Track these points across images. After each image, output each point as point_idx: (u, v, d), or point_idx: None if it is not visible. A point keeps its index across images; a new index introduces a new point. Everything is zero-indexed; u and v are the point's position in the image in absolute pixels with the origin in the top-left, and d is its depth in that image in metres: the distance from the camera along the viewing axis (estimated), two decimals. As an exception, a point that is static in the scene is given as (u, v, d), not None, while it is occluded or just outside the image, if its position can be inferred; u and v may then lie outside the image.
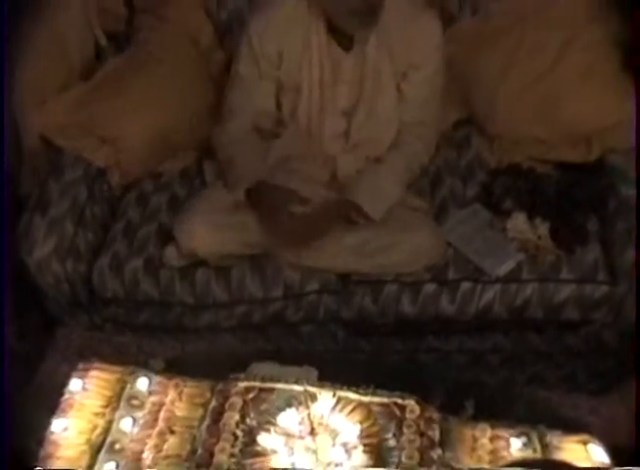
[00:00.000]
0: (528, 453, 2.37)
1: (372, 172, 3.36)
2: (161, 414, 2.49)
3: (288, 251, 3.23)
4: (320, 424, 2.43)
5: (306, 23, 3.31)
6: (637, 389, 2.86)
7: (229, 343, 3.38)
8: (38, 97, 3.63)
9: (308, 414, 2.45)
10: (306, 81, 3.36)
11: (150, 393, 2.55)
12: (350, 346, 3.41)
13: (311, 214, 3.23)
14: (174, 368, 2.66)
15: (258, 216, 3.20)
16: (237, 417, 2.44)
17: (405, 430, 2.40)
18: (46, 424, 2.47)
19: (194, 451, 2.39)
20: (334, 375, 2.57)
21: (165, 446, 2.41)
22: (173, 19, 3.90)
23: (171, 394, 2.54)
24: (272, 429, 2.42)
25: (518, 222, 3.28)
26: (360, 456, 2.38)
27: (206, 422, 2.45)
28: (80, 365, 2.64)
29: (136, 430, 2.45)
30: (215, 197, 3.37)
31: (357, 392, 2.49)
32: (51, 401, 2.55)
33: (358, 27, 3.19)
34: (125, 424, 2.45)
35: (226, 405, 2.47)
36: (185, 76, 3.79)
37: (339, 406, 2.46)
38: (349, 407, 2.46)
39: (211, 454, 2.36)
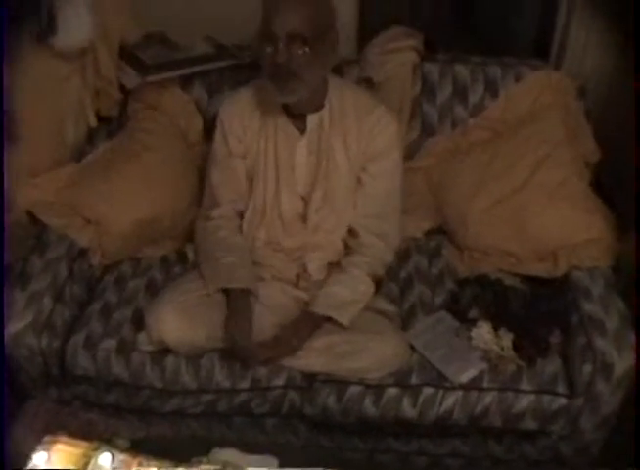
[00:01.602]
0: None
1: (336, 283, 3.35)
2: None
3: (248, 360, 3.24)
4: (278, 513, 2.42)
5: (266, 107, 3.38)
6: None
7: (193, 428, 3.35)
8: (30, 172, 3.67)
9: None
10: (262, 164, 3.41)
11: (113, 469, 2.50)
12: (312, 441, 3.37)
13: (280, 335, 3.26)
14: (139, 448, 2.58)
15: (227, 321, 3.22)
16: None
17: (360, 524, 2.40)
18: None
19: (151, 532, 2.36)
20: (293, 466, 2.50)
21: (124, 525, 2.38)
22: (165, 110, 3.97)
23: None
24: None
25: (482, 332, 3.27)
26: None
27: None
28: (46, 438, 2.57)
29: None
30: (189, 288, 3.37)
31: None
32: None
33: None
34: None
35: None
36: (172, 167, 3.82)
37: (296, 496, 2.44)
38: None
39: None
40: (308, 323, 3.26)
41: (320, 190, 3.37)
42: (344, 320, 3.23)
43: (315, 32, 3.06)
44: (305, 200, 3.43)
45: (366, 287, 3.36)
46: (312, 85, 3.19)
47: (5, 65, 3.10)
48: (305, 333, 3.23)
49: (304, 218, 3.44)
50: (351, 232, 3.45)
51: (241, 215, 3.52)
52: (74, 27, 3.61)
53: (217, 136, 3.50)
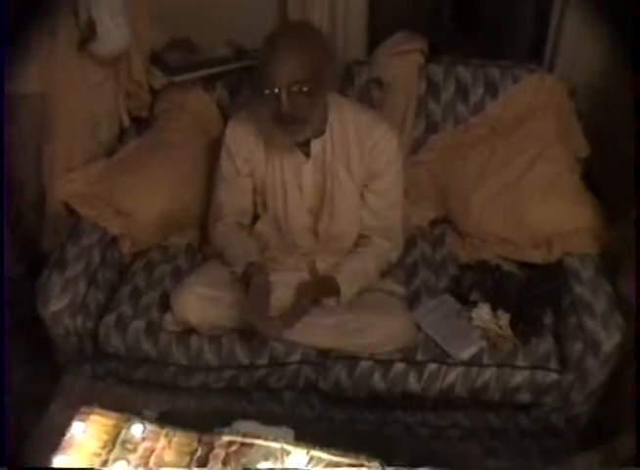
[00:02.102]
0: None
1: (348, 260, 3.38)
2: (152, 459, 2.46)
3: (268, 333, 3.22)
4: (294, 478, 2.43)
5: (271, 130, 3.26)
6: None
7: (216, 402, 3.35)
8: (66, 167, 3.70)
9: (283, 469, 2.45)
10: (270, 183, 3.39)
11: (142, 439, 2.52)
12: (325, 413, 3.39)
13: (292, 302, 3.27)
14: (166, 420, 2.62)
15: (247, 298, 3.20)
16: (219, 467, 2.42)
17: (369, 489, 2.41)
18: (49, 460, 2.46)
19: (178, 494, 2.38)
20: (308, 437, 2.53)
21: (153, 488, 2.39)
22: (189, 109, 3.98)
23: (162, 441, 2.52)
24: None
25: (482, 313, 3.30)
26: (327, 508, 2.37)
27: (192, 469, 2.44)
28: (82, 410, 2.62)
29: None
30: (211, 273, 3.40)
31: (328, 452, 2.46)
32: (54, 440, 2.54)
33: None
34: (119, 466, 2.43)
35: (210, 455, 2.45)
36: (195, 162, 3.83)
37: (311, 464, 2.43)
38: (321, 465, 2.43)
39: (194, 498, 2.35)
40: (317, 284, 3.32)
41: (327, 208, 3.37)
42: (347, 295, 3.29)
43: (313, 73, 3.02)
44: (314, 214, 3.43)
45: (373, 273, 3.40)
46: (316, 119, 3.19)
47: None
48: (312, 292, 3.28)
49: (315, 231, 3.43)
50: (360, 236, 3.46)
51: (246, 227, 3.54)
52: (113, 35, 3.62)
53: (224, 155, 3.46)
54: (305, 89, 2.99)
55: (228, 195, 3.49)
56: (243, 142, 3.40)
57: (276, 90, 2.98)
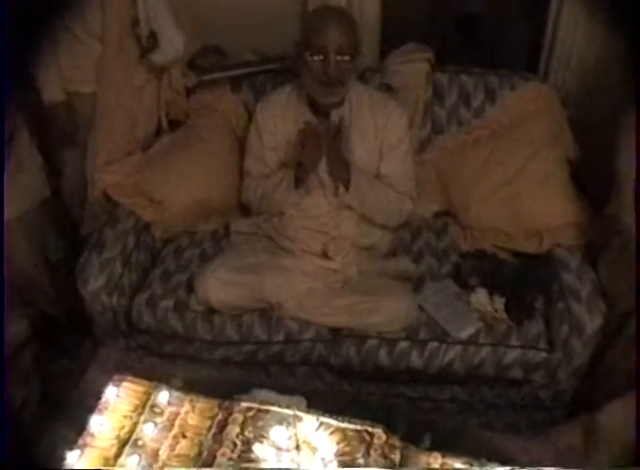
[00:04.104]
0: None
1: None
2: (177, 422, 2.48)
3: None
4: (304, 441, 2.40)
5: (295, 105, 3.45)
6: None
7: (236, 374, 3.35)
8: (106, 160, 3.69)
9: (295, 433, 2.42)
10: (293, 150, 3.42)
11: (169, 404, 2.53)
12: (335, 386, 3.39)
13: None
14: (190, 388, 2.63)
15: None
16: (237, 429, 2.42)
17: (372, 452, 2.38)
18: (86, 420, 2.48)
19: (200, 454, 2.37)
20: (319, 406, 2.53)
21: (178, 447, 2.40)
22: (218, 109, 3.98)
23: (186, 406, 2.53)
24: (265, 442, 2.40)
25: (480, 297, 3.30)
26: (334, 470, 2.38)
27: (212, 431, 2.44)
28: (116, 377, 2.63)
29: (156, 432, 2.43)
30: (233, 258, 3.42)
31: (336, 419, 2.46)
32: (91, 403, 2.56)
33: (323, 96, 3.29)
34: (148, 427, 2.44)
35: (229, 419, 2.46)
36: (222, 156, 3.84)
37: (320, 429, 2.44)
38: (329, 430, 2.43)
39: (214, 457, 2.35)
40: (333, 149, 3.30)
41: None
42: (355, 186, 3.35)
43: (353, 44, 3.19)
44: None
45: (388, 198, 3.48)
46: (347, 86, 3.30)
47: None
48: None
49: (335, 193, 3.41)
50: None
51: None
52: (172, 46, 3.66)
53: (252, 131, 3.57)
54: (347, 58, 3.17)
55: (254, 165, 3.56)
56: (270, 119, 3.50)
57: (321, 56, 3.16)
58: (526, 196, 3.57)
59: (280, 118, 3.48)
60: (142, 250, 3.58)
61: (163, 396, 2.57)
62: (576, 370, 3.21)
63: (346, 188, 3.34)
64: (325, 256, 3.42)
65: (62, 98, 3.59)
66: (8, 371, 3.09)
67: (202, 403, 2.56)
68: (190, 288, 3.40)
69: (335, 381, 3.40)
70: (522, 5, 4.99)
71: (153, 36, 3.61)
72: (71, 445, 2.42)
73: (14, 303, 3.31)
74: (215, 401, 2.56)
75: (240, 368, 3.40)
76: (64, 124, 3.65)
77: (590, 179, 3.67)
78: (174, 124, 4.04)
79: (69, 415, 2.60)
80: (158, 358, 3.28)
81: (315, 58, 3.18)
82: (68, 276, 3.48)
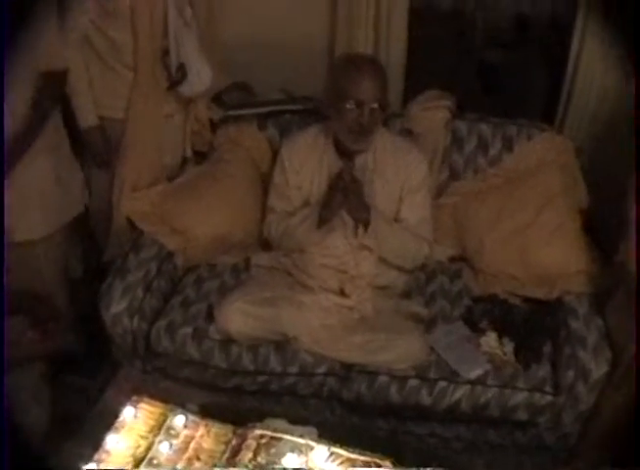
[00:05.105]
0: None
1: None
2: (192, 445, 2.51)
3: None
4: (315, 470, 2.45)
5: (321, 147, 3.49)
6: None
7: (249, 402, 3.38)
8: (132, 187, 3.76)
9: (306, 461, 2.45)
10: (316, 193, 3.48)
11: (185, 427, 2.56)
12: (345, 419, 3.39)
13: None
14: (205, 413, 2.66)
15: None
16: (250, 455, 2.45)
17: (380, 483, 2.43)
18: (102, 437, 2.52)
19: (213, 476, 2.41)
20: (329, 438, 2.55)
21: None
22: (243, 145, 4.03)
23: (201, 430, 2.56)
24: (277, 469, 2.43)
25: (489, 340, 3.32)
26: (343, 498, 2.40)
27: (226, 455, 2.47)
28: (134, 398, 2.67)
29: (170, 453, 2.47)
30: (253, 291, 3.44)
31: (347, 450, 2.49)
32: (108, 421, 2.60)
33: (353, 143, 3.35)
34: (163, 447, 2.47)
35: (243, 445, 2.48)
36: (246, 191, 3.89)
37: (331, 458, 2.46)
38: (339, 460, 2.46)
39: (227, 481, 2.38)
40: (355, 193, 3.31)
41: None
42: (375, 227, 3.37)
43: (384, 94, 3.27)
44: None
45: (405, 241, 3.51)
46: (375, 133, 3.36)
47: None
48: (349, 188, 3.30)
49: (355, 233, 3.44)
50: None
51: None
52: (200, 78, 3.74)
53: (277, 169, 3.61)
54: (377, 106, 3.23)
55: (278, 203, 3.60)
56: (296, 158, 3.53)
57: (351, 105, 3.23)
58: (539, 244, 3.60)
59: (305, 158, 3.52)
60: (163, 277, 3.61)
61: (180, 419, 2.60)
62: (581, 414, 3.20)
63: (366, 229, 3.38)
64: (342, 293, 3.46)
65: (95, 123, 3.69)
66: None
67: (217, 428, 2.59)
68: (209, 317, 3.43)
69: (345, 414, 3.41)
70: (542, 57, 5.06)
71: (182, 68, 3.71)
72: (87, 460, 2.45)
73: (28, 318, 3.36)
74: (230, 427, 2.59)
75: (253, 398, 3.42)
76: (97, 148, 3.75)
77: (601, 228, 3.70)
78: (198, 155, 4.12)
79: (86, 432, 2.64)
80: (173, 383, 3.33)
81: (348, 106, 3.25)
82: (88, 297, 3.54)
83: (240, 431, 2.57)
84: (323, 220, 3.38)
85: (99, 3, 3.49)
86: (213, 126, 4.10)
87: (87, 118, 3.68)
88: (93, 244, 4.10)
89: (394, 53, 4.13)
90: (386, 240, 3.45)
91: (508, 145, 3.93)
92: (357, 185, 3.30)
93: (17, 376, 3.12)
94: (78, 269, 4.05)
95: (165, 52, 3.68)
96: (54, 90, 3.43)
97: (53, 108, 3.46)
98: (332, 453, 2.49)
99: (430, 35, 5.14)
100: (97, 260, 4.02)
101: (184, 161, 4.09)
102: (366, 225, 3.37)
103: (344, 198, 3.29)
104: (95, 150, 3.77)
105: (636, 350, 2.96)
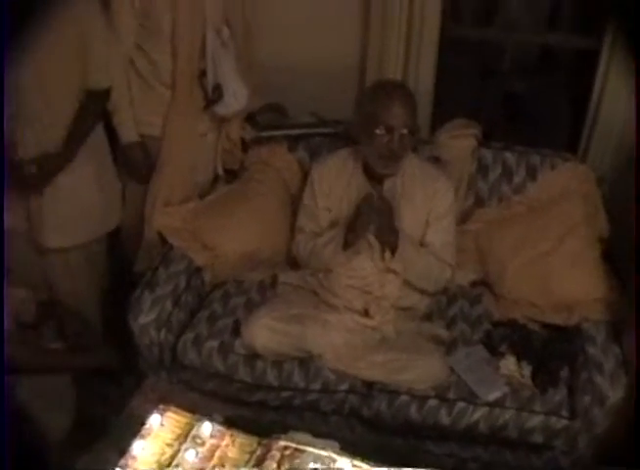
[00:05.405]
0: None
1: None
2: (217, 453, 2.54)
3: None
4: (337, 483, 2.47)
5: (350, 170, 3.56)
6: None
7: (272, 417, 3.41)
8: (164, 203, 3.84)
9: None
10: (345, 216, 3.51)
11: (211, 436, 2.60)
12: (364, 436, 3.41)
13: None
14: (230, 424, 2.69)
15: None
16: (274, 465, 2.48)
17: (401, 497, 2.46)
18: (129, 443, 2.57)
19: (237, 486, 2.44)
20: (350, 453, 2.58)
21: (216, 477, 2.47)
22: (273, 165, 4.10)
23: (227, 440, 2.59)
24: None
25: (508, 363, 3.35)
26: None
27: (250, 465, 2.51)
28: (161, 406, 2.72)
29: (196, 460, 2.50)
30: (279, 308, 3.49)
31: (367, 463, 2.52)
32: (134, 428, 2.65)
33: (383, 168, 3.42)
34: (189, 455, 2.51)
35: (267, 456, 2.52)
36: (275, 210, 3.96)
37: (353, 470, 2.50)
38: None
39: (250, 490, 2.42)
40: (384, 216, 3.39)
41: None
42: (402, 253, 3.44)
43: (414, 121, 3.34)
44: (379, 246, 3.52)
45: (430, 266, 3.56)
46: (405, 158, 3.41)
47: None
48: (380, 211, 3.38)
49: (381, 256, 3.50)
50: None
51: None
52: (236, 99, 3.82)
53: (307, 190, 3.68)
54: (407, 132, 3.30)
55: (307, 223, 3.66)
56: (325, 181, 3.60)
57: (385, 132, 3.29)
58: (559, 272, 3.65)
59: (335, 181, 3.59)
60: (192, 291, 3.67)
61: (206, 427, 2.64)
62: (596, 438, 3.22)
63: (393, 254, 3.45)
64: (366, 313, 3.51)
65: (137, 139, 3.78)
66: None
67: (242, 439, 2.63)
68: (235, 332, 3.49)
69: (364, 432, 3.43)
70: (567, 87, 5.10)
71: (218, 88, 3.79)
72: (113, 465, 2.50)
73: (53, 323, 3.43)
74: (255, 438, 2.63)
75: (276, 412, 3.45)
76: (138, 163, 3.84)
77: (620, 257, 3.73)
78: (229, 174, 4.19)
79: (112, 438, 2.69)
80: (198, 394, 3.35)
81: (379, 132, 3.31)
82: (116, 308, 3.61)
83: (264, 442, 2.60)
84: (348, 243, 3.45)
85: (143, 25, 3.62)
86: (245, 146, 4.17)
87: (129, 135, 3.77)
88: (122, 256, 4.16)
89: (423, 80, 4.20)
90: (412, 264, 3.50)
91: (532, 174, 3.98)
92: (388, 209, 3.38)
93: (42, 380, 3.19)
94: (106, 280, 4.11)
95: (203, 72, 3.77)
96: (97, 106, 3.55)
97: (95, 123, 3.57)
98: (354, 466, 2.53)
99: (457, 64, 5.19)
100: (125, 272, 4.08)
101: (215, 178, 4.16)
102: (394, 249, 3.44)
103: (375, 220, 3.36)
104: (135, 165, 3.85)
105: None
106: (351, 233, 3.42)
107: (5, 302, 3.09)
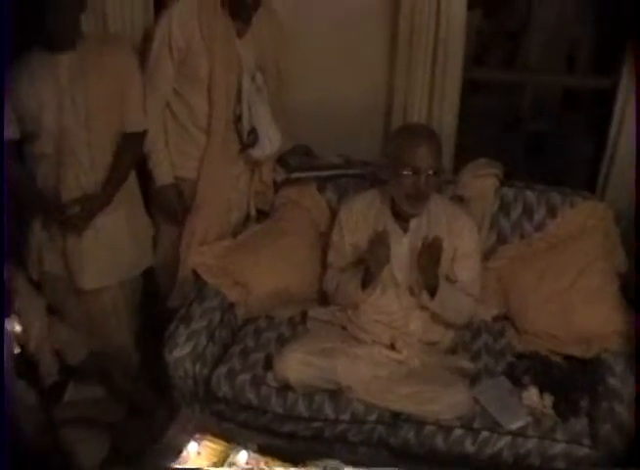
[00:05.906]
0: None
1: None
2: None
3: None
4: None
5: (377, 209, 3.67)
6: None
7: (303, 446, 3.48)
8: (199, 242, 3.95)
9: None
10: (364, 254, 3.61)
11: (246, 463, 2.70)
12: (392, 465, 3.31)
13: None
14: (264, 453, 2.80)
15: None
16: None
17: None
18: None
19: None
20: None
21: (253, 501, 2.56)
22: (303, 205, 4.21)
23: (262, 466, 2.70)
24: None
25: (531, 394, 3.42)
26: None
27: None
28: (197, 435, 2.84)
29: None
30: (310, 342, 3.60)
31: None
32: (172, 456, 2.76)
33: (410, 207, 3.52)
34: None
35: None
36: (304, 249, 4.05)
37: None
38: None
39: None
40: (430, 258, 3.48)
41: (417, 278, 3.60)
42: (441, 295, 3.53)
43: (440, 162, 3.45)
44: (404, 284, 3.64)
45: (461, 303, 3.66)
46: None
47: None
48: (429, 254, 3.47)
49: (410, 291, 3.63)
50: None
51: None
52: (270, 143, 3.95)
53: (336, 228, 3.79)
54: (433, 173, 3.39)
55: (335, 259, 3.77)
56: (353, 219, 3.71)
57: (409, 172, 3.40)
58: (579, 306, 3.72)
59: (362, 219, 3.69)
60: (225, 326, 3.78)
61: (242, 455, 2.75)
62: (615, 465, 3.25)
63: (432, 296, 3.55)
64: (393, 347, 3.60)
65: (171, 181, 3.91)
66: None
67: (277, 467, 2.74)
68: (267, 365, 3.59)
69: (392, 461, 3.48)
70: (586, 127, 5.20)
71: (253, 132, 3.91)
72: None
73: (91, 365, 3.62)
74: (289, 466, 2.74)
75: (306, 443, 3.52)
76: (172, 205, 3.95)
77: (638, 290, 3.76)
78: (260, 213, 4.30)
79: (150, 466, 2.83)
80: (230, 425, 3.48)
81: (406, 173, 3.42)
82: (150, 342, 3.75)
83: (299, 468, 2.72)
84: (366, 282, 3.58)
85: (180, 72, 3.75)
86: (275, 186, 4.29)
87: (164, 177, 3.90)
88: (155, 294, 4.27)
89: (447, 121, 4.32)
90: (447, 302, 3.60)
91: (552, 211, 4.06)
92: (437, 251, 3.46)
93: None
94: (139, 317, 4.23)
95: (238, 117, 3.88)
96: (134, 149, 3.71)
97: (133, 165, 3.73)
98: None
99: (480, 105, 5.32)
100: (156, 310, 4.21)
101: (247, 218, 4.26)
102: (433, 292, 3.54)
103: (384, 259, 3.49)
104: (169, 207, 3.97)
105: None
106: (368, 272, 3.55)
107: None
